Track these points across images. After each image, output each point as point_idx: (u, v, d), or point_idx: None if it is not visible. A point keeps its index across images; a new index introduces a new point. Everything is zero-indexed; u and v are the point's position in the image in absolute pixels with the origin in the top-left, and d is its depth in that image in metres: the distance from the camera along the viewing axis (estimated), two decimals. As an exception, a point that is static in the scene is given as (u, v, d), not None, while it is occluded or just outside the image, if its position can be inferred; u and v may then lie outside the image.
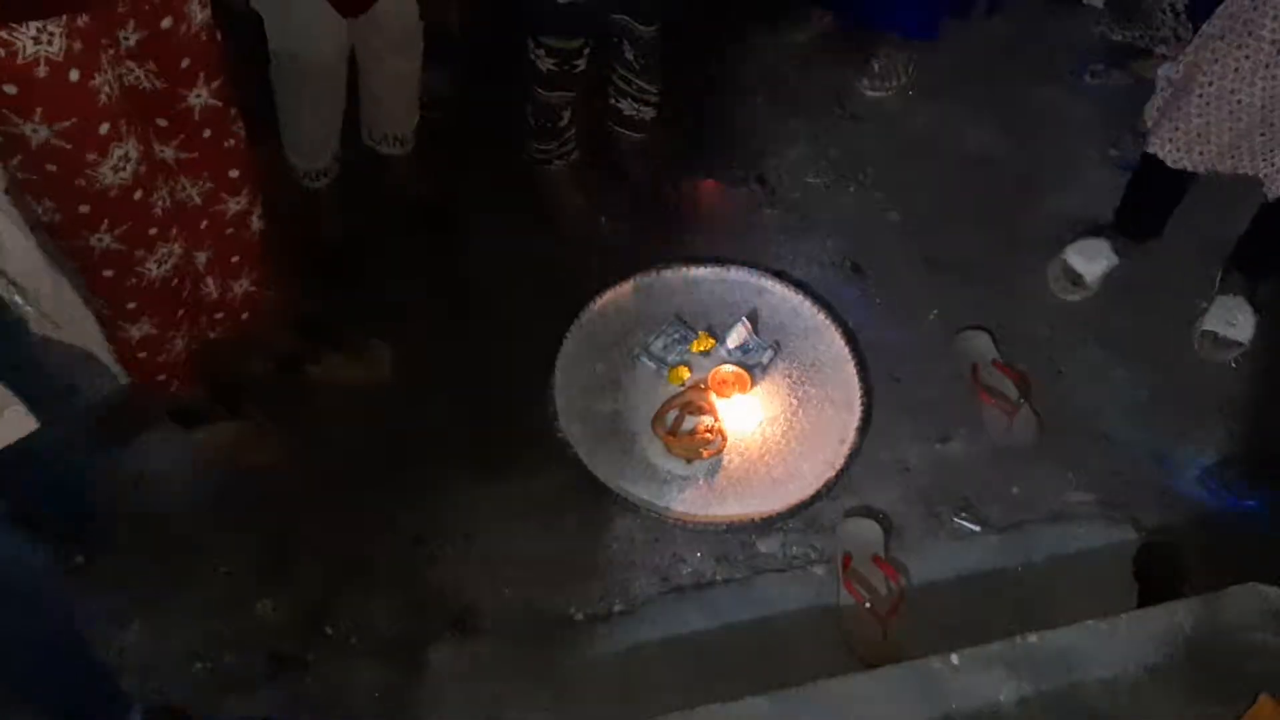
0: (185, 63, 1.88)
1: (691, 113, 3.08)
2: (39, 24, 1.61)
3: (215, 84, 1.96)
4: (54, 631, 1.84)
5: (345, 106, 2.56)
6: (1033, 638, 1.98)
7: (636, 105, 2.79)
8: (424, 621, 2.30)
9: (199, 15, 1.88)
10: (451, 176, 2.90)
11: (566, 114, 2.70)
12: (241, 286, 2.35)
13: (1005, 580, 2.39)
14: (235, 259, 2.30)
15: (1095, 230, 2.85)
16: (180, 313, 2.20)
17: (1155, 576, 2.34)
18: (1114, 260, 2.80)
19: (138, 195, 1.89)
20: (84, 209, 1.83)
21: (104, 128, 1.76)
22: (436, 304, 2.73)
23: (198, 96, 1.94)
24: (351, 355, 2.57)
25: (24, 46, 1.61)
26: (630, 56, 2.66)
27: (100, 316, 2.11)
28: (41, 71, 1.64)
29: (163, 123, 1.95)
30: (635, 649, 2.28)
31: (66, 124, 1.71)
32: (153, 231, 1.97)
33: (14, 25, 1.59)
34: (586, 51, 2.56)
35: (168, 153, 2.00)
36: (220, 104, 2.00)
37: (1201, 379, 2.71)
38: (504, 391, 2.59)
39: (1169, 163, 2.46)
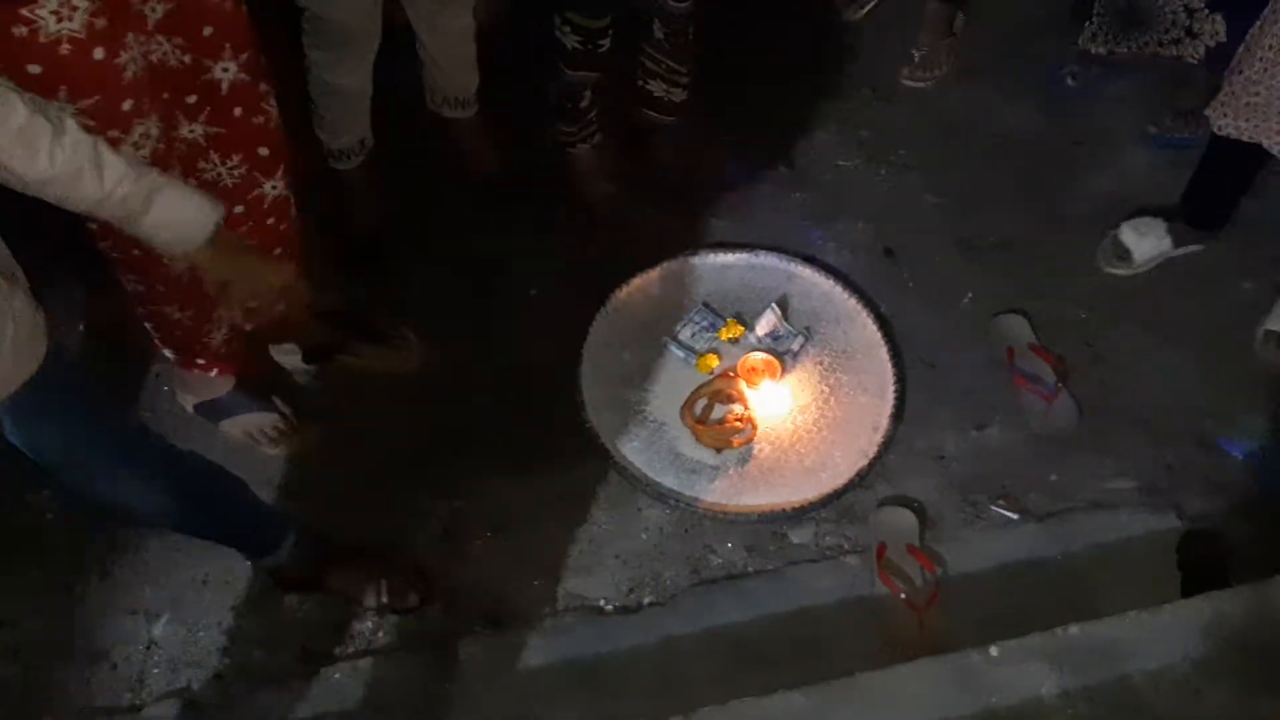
0: (208, 31, 1.84)
1: (720, 95, 3.03)
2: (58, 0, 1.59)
3: (244, 57, 1.92)
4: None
5: (371, 90, 2.54)
6: (1074, 629, 1.95)
7: (667, 87, 2.74)
8: (454, 615, 2.29)
9: None
10: (513, 144, 2.89)
11: (587, 95, 2.66)
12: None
13: (1045, 570, 2.34)
14: (277, 250, 2.27)
15: (1155, 211, 2.79)
16: (209, 302, 2.18)
17: (1199, 565, 2.29)
18: (1166, 241, 2.74)
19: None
20: None
21: (128, 104, 1.74)
22: (461, 292, 2.71)
23: (224, 70, 1.91)
24: (382, 345, 2.55)
25: (46, 24, 1.59)
26: (661, 36, 2.62)
27: (137, 294, 2.11)
28: (65, 50, 1.62)
29: (191, 99, 1.92)
30: (667, 641, 2.25)
31: (90, 102, 1.68)
32: None
33: (35, 2, 1.57)
34: (611, 32, 2.51)
35: (197, 129, 1.96)
36: (249, 79, 1.96)
37: (1247, 365, 2.64)
38: (531, 381, 2.56)
39: (1216, 129, 2.39)
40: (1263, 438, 2.53)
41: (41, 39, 1.60)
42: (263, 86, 2.01)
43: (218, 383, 2.40)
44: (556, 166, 2.84)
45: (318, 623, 2.26)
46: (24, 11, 1.57)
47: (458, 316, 2.66)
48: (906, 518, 2.39)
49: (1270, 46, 2.26)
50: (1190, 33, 2.79)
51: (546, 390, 2.55)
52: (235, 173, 2.06)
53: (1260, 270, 2.76)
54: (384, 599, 2.26)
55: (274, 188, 2.15)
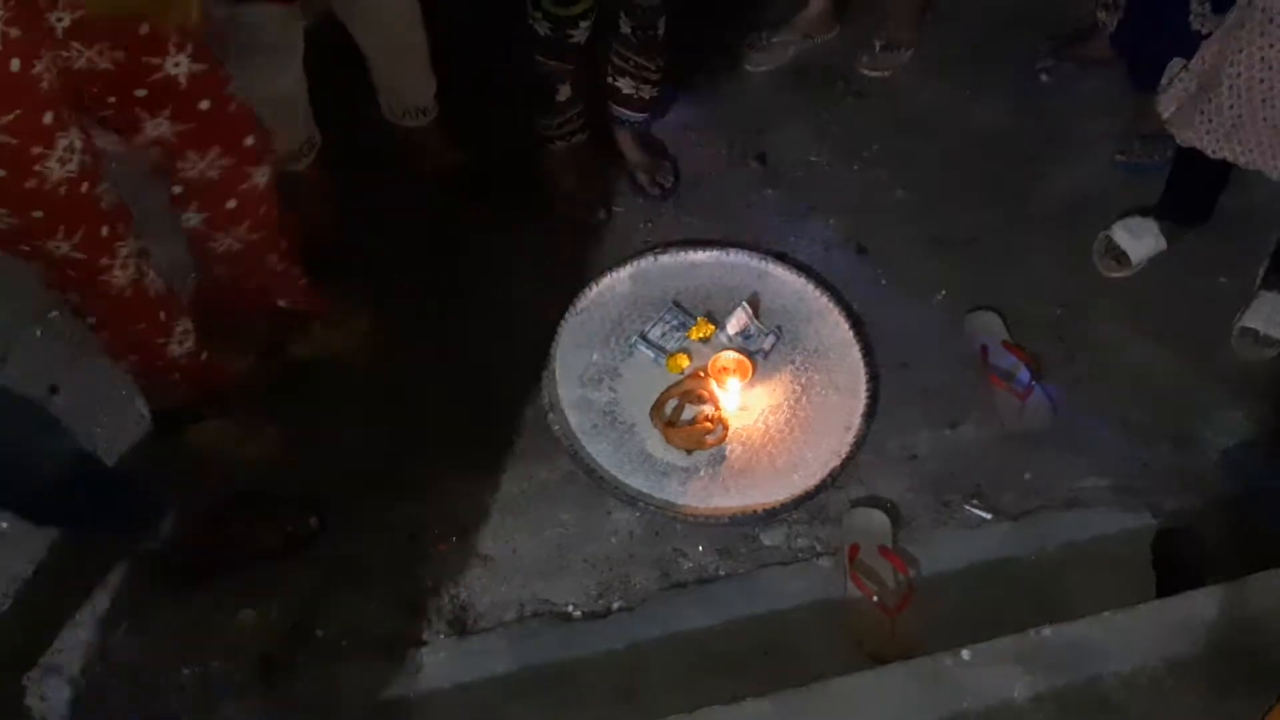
0: (144, 29, 1.78)
1: (688, 88, 3.00)
2: None
3: (190, 48, 1.86)
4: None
5: (306, 89, 2.48)
6: (1047, 630, 1.93)
7: (635, 83, 2.70)
8: (418, 620, 2.25)
9: None
10: (477, 143, 2.85)
11: (564, 89, 2.62)
12: (281, 266, 2.32)
13: (1018, 570, 2.32)
14: (286, 240, 2.27)
15: (1130, 208, 2.77)
16: (162, 315, 2.13)
17: (1174, 564, 2.27)
18: (1161, 240, 2.72)
19: (84, 189, 1.81)
20: (37, 214, 1.76)
21: (48, 117, 1.67)
22: (427, 292, 2.67)
23: (176, 65, 1.84)
24: (330, 324, 2.51)
25: None
26: (628, 31, 2.58)
27: (80, 310, 2.06)
28: None
29: (141, 93, 1.85)
30: (635, 646, 2.23)
31: (9, 118, 1.61)
32: (104, 231, 1.90)
33: None
34: (584, 24, 2.47)
35: (163, 125, 1.91)
36: (206, 67, 1.89)
37: (1223, 361, 2.62)
38: (498, 382, 2.53)
39: (1210, 154, 2.37)
40: (1238, 435, 2.50)
41: None
42: (221, 73, 1.95)
43: (175, 391, 2.34)
44: (524, 163, 2.80)
45: (277, 629, 2.22)
46: None
47: (422, 316, 2.63)
48: (879, 519, 2.36)
49: (1236, 74, 2.23)
50: (1115, 2, 2.78)
51: (514, 391, 2.52)
52: (219, 164, 2.01)
53: (1235, 265, 2.74)
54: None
55: (263, 175, 2.11)
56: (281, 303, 2.41)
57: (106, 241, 1.90)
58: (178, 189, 2.04)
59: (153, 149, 1.91)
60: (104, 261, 1.91)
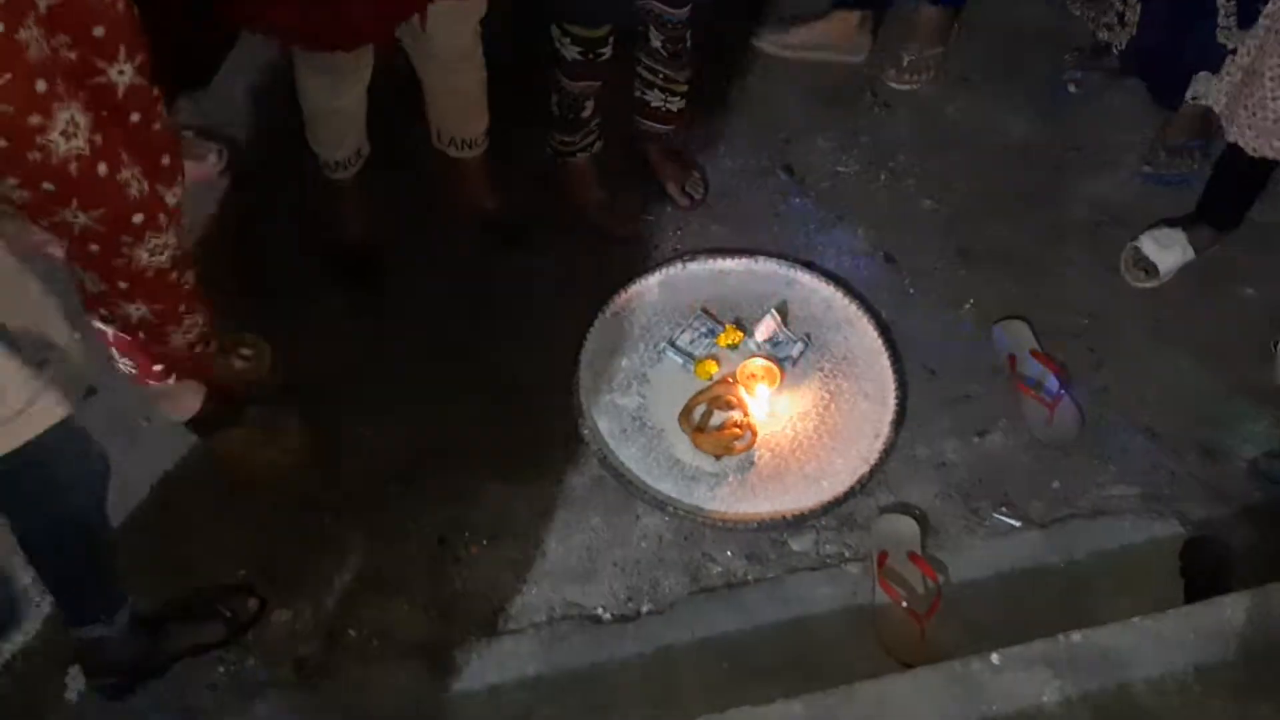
0: (99, 31, 1.71)
1: (717, 100, 3.02)
2: None
3: (139, 59, 1.79)
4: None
5: (366, 103, 2.49)
6: (1076, 636, 1.93)
7: (664, 96, 2.72)
8: (449, 624, 2.27)
9: None
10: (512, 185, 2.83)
11: (590, 104, 2.65)
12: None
13: (1047, 577, 2.32)
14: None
15: (1159, 218, 2.78)
16: (180, 305, 2.13)
17: (1202, 572, 2.27)
18: (1189, 250, 2.72)
19: (102, 170, 1.80)
20: (47, 186, 1.75)
21: (41, 85, 1.60)
22: (457, 298, 2.69)
23: (120, 74, 1.77)
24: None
25: None
26: (657, 44, 2.60)
27: (97, 293, 2.04)
28: None
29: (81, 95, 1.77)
30: (664, 650, 2.23)
31: (2, 80, 1.54)
32: (138, 219, 1.90)
33: None
34: (612, 40, 2.50)
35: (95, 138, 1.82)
36: (144, 82, 1.83)
37: (1250, 371, 2.62)
38: (528, 387, 2.55)
39: (1249, 151, 2.38)
40: (1265, 444, 2.50)
41: None
42: (155, 91, 1.88)
43: (186, 399, 2.34)
44: (553, 173, 2.82)
45: (309, 631, 2.24)
46: None
47: (454, 323, 2.65)
48: (908, 525, 2.36)
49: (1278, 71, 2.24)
50: (1121, 21, 2.78)
51: (544, 397, 2.53)
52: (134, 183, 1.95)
53: (1262, 276, 2.75)
54: (227, 618, 2.22)
55: (174, 196, 2.02)
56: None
57: (136, 227, 1.91)
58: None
59: (75, 136, 1.75)
60: (125, 239, 1.92)
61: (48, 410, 1.64)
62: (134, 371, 2.24)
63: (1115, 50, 2.86)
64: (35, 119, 1.63)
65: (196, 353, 2.22)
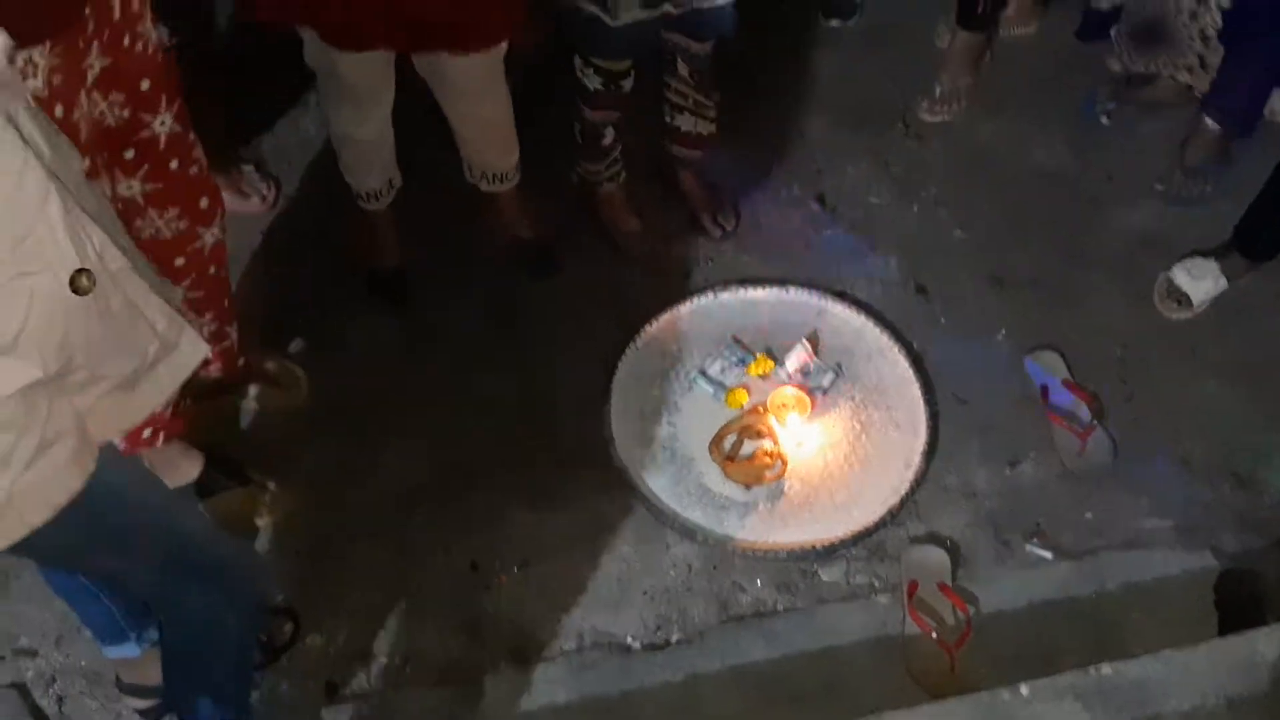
0: (145, 85, 1.79)
1: (748, 130, 3.03)
2: (25, 55, 1.51)
3: (175, 107, 1.87)
4: None
5: (392, 134, 2.54)
6: (1107, 668, 1.92)
7: (695, 120, 2.74)
8: (479, 649, 2.28)
9: (153, 32, 1.79)
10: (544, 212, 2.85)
11: (609, 132, 2.67)
12: (213, 325, 2.30)
13: (1078, 609, 2.31)
14: (226, 300, 2.27)
15: (1192, 248, 2.77)
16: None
17: (1236, 604, 2.25)
18: (1222, 280, 2.71)
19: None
20: None
21: (85, 164, 1.63)
22: (489, 326, 2.72)
23: (162, 124, 1.85)
24: (272, 384, 2.56)
25: None
26: (685, 72, 2.63)
27: None
28: None
29: (129, 154, 1.85)
30: (694, 679, 2.23)
31: None
32: (179, 262, 1.94)
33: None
34: (633, 72, 2.54)
35: (134, 187, 1.90)
36: (181, 129, 1.90)
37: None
38: (559, 415, 2.57)
39: None
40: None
41: None
42: (191, 136, 1.95)
43: (185, 464, 2.34)
44: (584, 200, 2.85)
45: (343, 656, 2.26)
46: None
47: (485, 349, 2.67)
48: (938, 556, 2.36)
49: None
50: (1203, 63, 2.77)
51: (575, 425, 2.55)
52: (173, 225, 2.01)
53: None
54: (263, 642, 2.21)
55: (213, 235, 2.11)
56: (203, 372, 2.34)
57: (175, 271, 1.95)
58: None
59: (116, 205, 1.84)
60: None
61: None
62: (123, 445, 2.19)
63: (1198, 94, 2.83)
64: None
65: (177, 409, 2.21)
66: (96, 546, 1.52)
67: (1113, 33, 2.92)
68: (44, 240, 1.19)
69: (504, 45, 2.38)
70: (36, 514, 1.30)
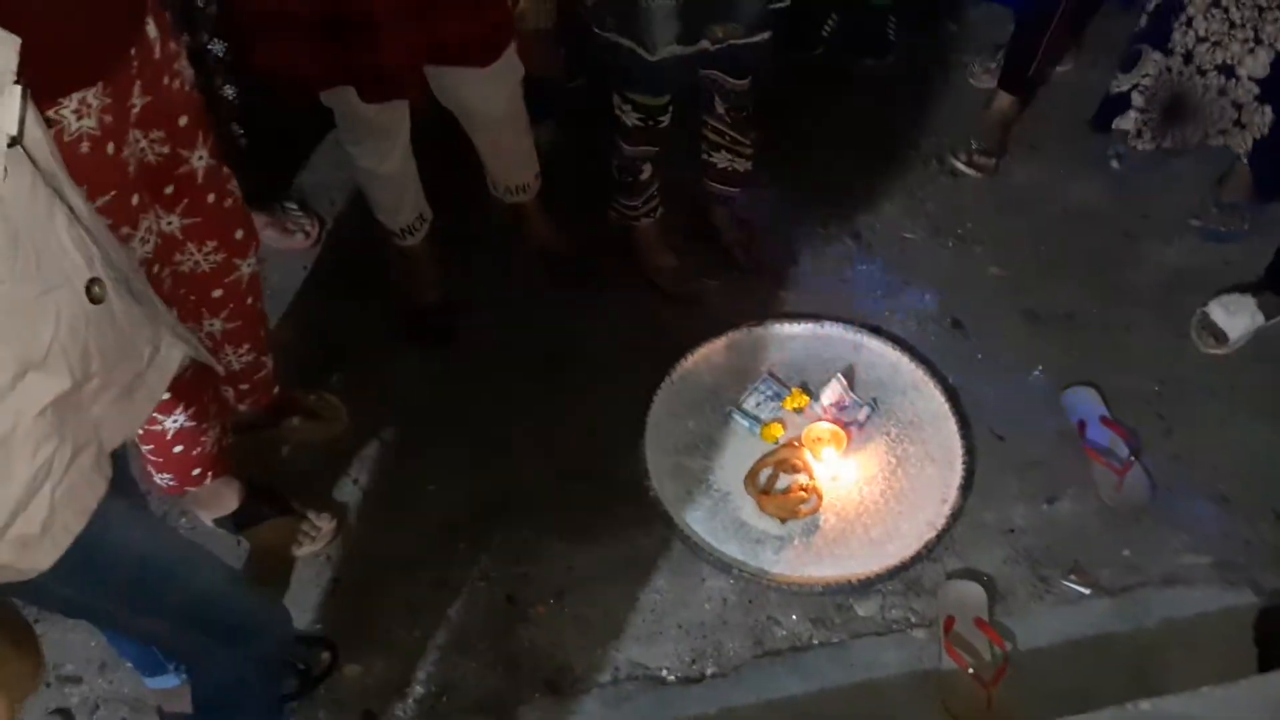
0: (184, 121, 1.82)
1: (783, 167, 3.06)
2: (80, 96, 1.55)
3: (210, 141, 1.91)
4: None
5: (415, 169, 2.60)
6: (1145, 705, 1.89)
7: (731, 157, 2.77)
8: (515, 681, 2.28)
9: (187, 70, 1.83)
10: (578, 217, 2.93)
11: (648, 168, 2.70)
12: (249, 356, 2.33)
13: (1116, 646, 2.29)
14: (262, 331, 2.30)
15: (1228, 284, 2.77)
16: (208, 399, 2.18)
17: (1276, 641, 2.22)
18: (1259, 316, 2.71)
19: (155, 270, 1.86)
20: None
21: (135, 199, 1.73)
22: (526, 361, 2.74)
23: (200, 159, 1.89)
24: (313, 417, 2.58)
25: (68, 123, 1.55)
26: (722, 110, 2.66)
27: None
28: (84, 148, 1.59)
29: (169, 190, 1.88)
30: (729, 712, 2.23)
31: (107, 199, 1.66)
32: (217, 293, 1.98)
33: (61, 101, 1.53)
34: (671, 109, 2.57)
35: (174, 222, 1.93)
36: (216, 162, 1.94)
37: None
38: (595, 449, 2.58)
39: None
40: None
41: (65, 139, 1.55)
42: (225, 169, 1.99)
43: (226, 495, 2.37)
44: (621, 238, 2.88)
45: (381, 686, 2.27)
46: (49, 113, 1.51)
47: (522, 382, 2.70)
48: (975, 591, 2.35)
49: None
50: (1239, 124, 2.77)
51: (611, 458, 2.56)
52: (211, 259, 2.03)
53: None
54: (300, 671, 2.22)
55: (249, 266, 2.14)
56: (241, 403, 2.42)
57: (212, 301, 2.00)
58: (166, 278, 1.98)
59: (149, 241, 1.86)
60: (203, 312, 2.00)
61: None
62: (173, 484, 2.27)
63: (1242, 157, 2.81)
64: (126, 229, 1.73)
65: (223, 446, 2.25)
66: (109, 601, 1.53)
67: (1131, 117, 2.91)
68: (57, 253, 1.21)
69: (521, 72, 2.49)
70: (76, 520, 1.32)
